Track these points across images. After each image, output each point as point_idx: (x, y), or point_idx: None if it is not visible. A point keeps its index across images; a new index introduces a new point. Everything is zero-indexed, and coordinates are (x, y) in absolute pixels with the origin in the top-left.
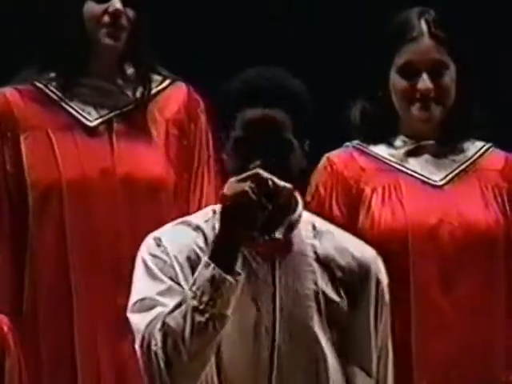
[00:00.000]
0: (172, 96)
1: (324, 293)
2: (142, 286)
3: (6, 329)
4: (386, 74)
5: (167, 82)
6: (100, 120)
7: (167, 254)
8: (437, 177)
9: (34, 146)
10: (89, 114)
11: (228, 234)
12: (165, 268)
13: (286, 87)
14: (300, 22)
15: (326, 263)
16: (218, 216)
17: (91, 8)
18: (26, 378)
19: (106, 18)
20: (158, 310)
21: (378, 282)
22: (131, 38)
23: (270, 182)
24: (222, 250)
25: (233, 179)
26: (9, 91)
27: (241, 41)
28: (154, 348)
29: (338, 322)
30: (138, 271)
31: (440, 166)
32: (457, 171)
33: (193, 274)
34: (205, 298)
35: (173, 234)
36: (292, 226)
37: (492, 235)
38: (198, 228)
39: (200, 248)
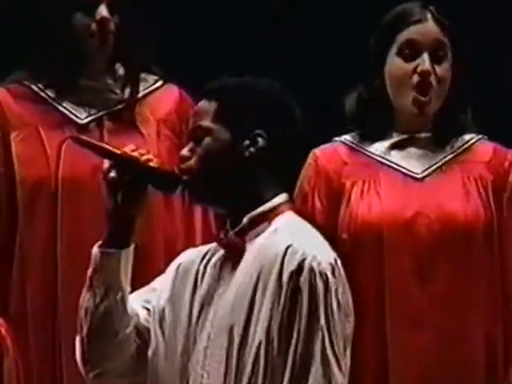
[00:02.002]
0: (164, 97)
1: (247, 291)
2: None
3: (3, 330)
4: (382, 63)
5: (159, 83)
6: (90, 118)
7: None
8: (418, 169)
9: (24, 144)
10: (80, 112)
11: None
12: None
13: (219, 82)
14: (301, 23)
15: (257, 261)
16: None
17: (80, 18)
18: (23, 379)
19: (94, 27)
20: None
21: (282, 269)
22: (119, 40)
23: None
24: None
25: None
26: None
27: (242, 41)
28: None
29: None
30: None
31: (424, 158)
32: (440, 163)
33: (173, 280)
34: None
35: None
36: (243, 228)
37: (470, 227)
38: None
39: (200, 255)
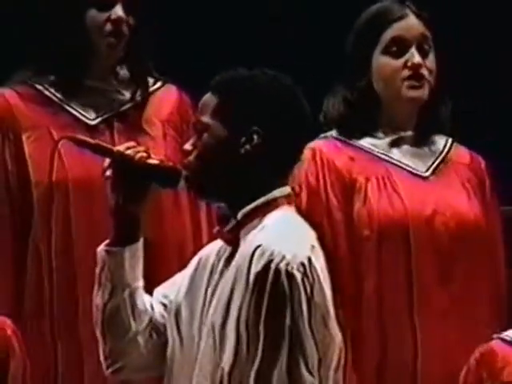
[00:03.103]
0: (164, 98)
1: (227, 290)
2: None
3: (9, 331)
4: (368, 63)
5: (159, 83)
6: (100, 119)
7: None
8: (422, 168)
9: (37, 145)
10: (89, 113)
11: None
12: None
13: (224, 76)
14: (301, 23)
15: (239, 259)
16: None
17: (94, 16)
18: (29, 380)
19: (109, 27)
20: None
21: (249, 270)
22: (130, 43)
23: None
24: None
25: None
26: (7, 92)
27: (242, 41)
28: None
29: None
30: None
31: (420, 157)
32: (437, 162)
33: (193, 274)
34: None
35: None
36: (237, 224)
37: (479, 226)
38: None
39: (216, 248)
